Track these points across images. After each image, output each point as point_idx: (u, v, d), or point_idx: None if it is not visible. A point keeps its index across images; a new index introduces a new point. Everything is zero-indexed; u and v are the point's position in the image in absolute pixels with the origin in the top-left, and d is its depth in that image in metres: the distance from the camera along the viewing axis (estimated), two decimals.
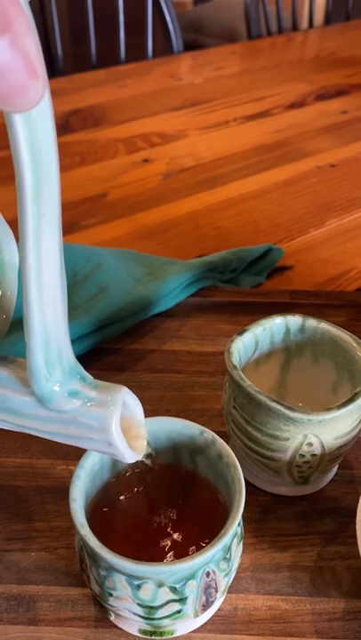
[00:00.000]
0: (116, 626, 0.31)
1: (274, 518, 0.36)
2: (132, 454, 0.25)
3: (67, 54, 1.26)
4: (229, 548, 0.28)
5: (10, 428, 0.26)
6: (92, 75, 1.09)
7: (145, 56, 1.22)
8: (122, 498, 0.31)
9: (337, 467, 0.38)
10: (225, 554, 0.28)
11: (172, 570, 0.25)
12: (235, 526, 0.27)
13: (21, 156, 0.18)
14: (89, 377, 0.24)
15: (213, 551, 0.26)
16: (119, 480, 0.32)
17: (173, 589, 0.26)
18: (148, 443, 0.28)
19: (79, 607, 0.32)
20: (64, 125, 0.88)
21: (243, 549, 0.34)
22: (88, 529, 0.26)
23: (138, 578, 0.26)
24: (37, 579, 0.33)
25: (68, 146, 0.83)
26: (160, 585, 0.26)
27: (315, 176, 0.77)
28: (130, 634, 0.30)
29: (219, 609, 0.32)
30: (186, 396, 0.44)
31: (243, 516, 0.34)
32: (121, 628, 0.31)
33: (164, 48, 1.24)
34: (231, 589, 0.32)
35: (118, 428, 0.23)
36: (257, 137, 0.86)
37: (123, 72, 1.10)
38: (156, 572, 0.26)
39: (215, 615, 0.31)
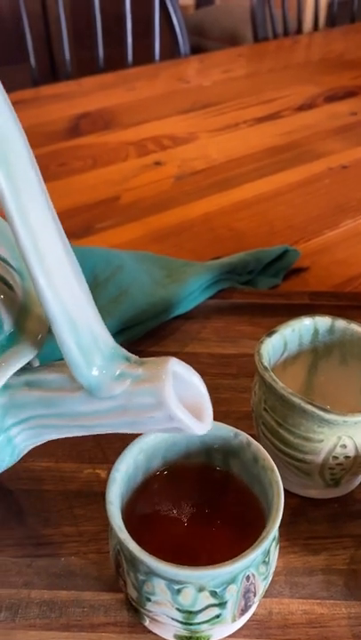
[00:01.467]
0: (150, 631, 0.30)
1: (305, 521, 0.36)
2: (199, 425, 0.24)
3: (72, 59, 1.26)
4: (269, 551, 0.28)
5: (77, 433, 0.26)
6: (100, 78, 1.09)
7: (152, 59, 1.22)
8: (156, 500, 0.31)
9: None
10: (265, 557, 0.27)
11: (213, 574, 0.25)
12: (275, 529, 0.26)
13: None
14: (133, 356, 0.24)
15: (255, 554, 0.26)
16: (153, 482, 0.31)
17: (214, 594, 0.26)
18: None
19: (112, 612, 0.31)
20: (74, 129, 0.88)
21: None
22: (126, 533, 0.26)
23: (178, 582, 0.26)
24: (69, 584, 0.33)
25: (79, 149, 0.83)
26: (201, 589, 0.26)
27: (327, 177, 0.76)
28: (165, 639, 0.30)
29: (254, 613, 0.31)
30: (211, 398, 0.43)
31: None
32: (156, 634, 0.30)
33: (170, 51, 1.24)
34: (266, 593, 0.32)
35: (175, 399, 0.22)
36: (268, 139, 0.86)
37: (131, 75, 1.10)
38: (198, 576, 0.25)
39: (250, 620, 0.31)
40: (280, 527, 0.35)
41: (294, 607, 0.32)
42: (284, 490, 0.37)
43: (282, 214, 0.69)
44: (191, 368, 0.25)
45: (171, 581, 0.26)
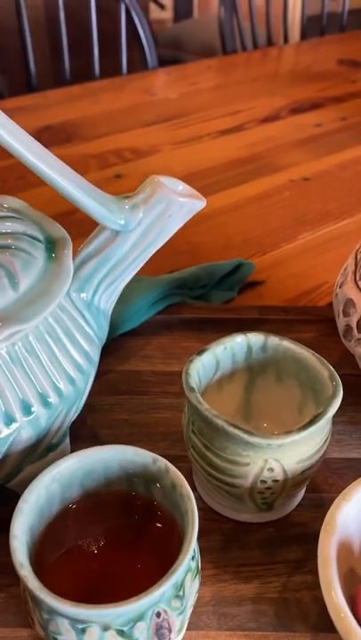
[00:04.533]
0: None
1: (237, 547, 0.34)
2: (199, 200, 0.34)
3: (47, 72, 1.25)
4: (182, 584, 0.26)
5: (134, 270, 0.35)
6: (65, 91, 1.08)
7: (119, 73, 1.22)
8: (73, 532, 0.30)
9: (304, 490, 0.37)
10: (177, 591, 0.26)
11: (117, 612, 0.24)
12: (187, 561, 0.25)
13: None
14: (125, 195, 0.32)
15: (162, 590, 0.24)
16: (69, 513, 0.30)
17: (121, 632, 0.25)
18: None
19: None
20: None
21: (203, 581, 0.32)
22: (29, 569, 0.25)
23: (81, 621, 0.24)
24: None
25: None
26: (106, 628, 0.24)
27: (288, 190, 0.76)
28: None
29: None
30: (150, 418, 0.42)
31: (204, 545, 0.32)
32: None
33: (139, 65, 1.24)
34: (191, 626, 0.31)
35: (175, 192, 0.32)
36: (231, 151, 0.85)
37: (97, 88, 1.09)
38: (100, 615, 0.24)
39: None
40: (210, 554, 0.34)
41: None
42: (218, 514, 0.36)
43: (240, 227, 0.68)
44: (169, 178, 0.34)
45: (74, 620, 0.24)
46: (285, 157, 0.83)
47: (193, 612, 0.31)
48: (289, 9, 1.46)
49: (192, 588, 0.27)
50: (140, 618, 0.25)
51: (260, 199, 0.74)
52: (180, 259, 0.62)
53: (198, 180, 0.78)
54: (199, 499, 0.36)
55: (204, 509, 0.36)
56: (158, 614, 0.25)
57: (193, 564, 0.27)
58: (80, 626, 0.24)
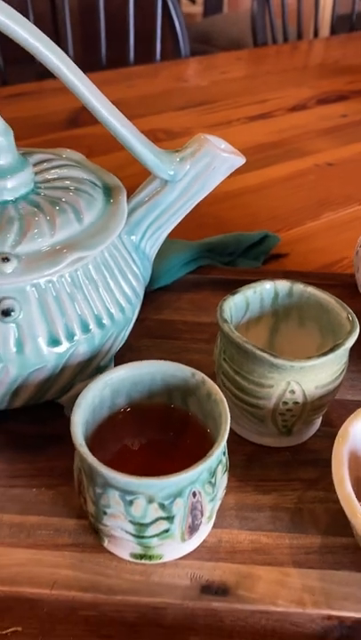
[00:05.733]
0: (109, 551, 0.33)
1: (258, 466, 0.39)
2: (239, 157, 0.38)
3: (79, 61, 1.30)
4: (215, 472, 0.31)
5: (179, 217, 0.39)
6: (101, 75, 1.13)
7: (153, 62, 1.26)
8: (118, 433, 0.34)
9: (320, 422, 0.41)
10: (210, 477, 0.30)
11: (161, 484, 0.28)
12: (220, 451, 0.30)
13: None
14: (179, 151, 0.37)
15: (200, 470, 0.29)
16: (117, 417, 0.34)
17: (162, 506, 0.29)
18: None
19: (75, 535, 0.34)
20: (73, 120, 0.92)
21: (227, 491, 0.37)
22: (86, 448, 0.29)
23: (130, 493, 0.29)
24: (38, 510, 0.36)
25: (77, 139, 0.86)
26: (150, 501, 0.29)
27: (312, 174, 0.80)
28: (122, 558, 0.33)
29: (204, 541, 0.34)
30: (182, 359, 0.46)
31: (229, 462, 0.37)
32: (113, 553, 0.33)
33: (172, 55, 1.28)
34: (216, 525, 0.35)
35: (219, 148, 0.36)
36: (258, 136, 0.89)
37: (132, 73, 1.14)
38: (147, 485, 0.28)
39: (201, 546, 0.34)
40: (235, 470, 0.38)
41: (242, 537, 0.35)
42: (242, 438, 0.40)
43: (266, 206, 0.72)
44: (213, 136, 0.38)
45: (124, 492, 0.29)
46: (311, 144, 0.87)
47: (218, 515, 0.35)
48: (320, 7, 1.49)
49: (222, 481, 0.32)
50: (179, 494, 0.29)
51: (286, 181, 0.78)
52: (207, 230, 0.66)
53: None
54: None
55: (230, 434, 0.40)
56: (194, 494, 0.30)
57: (224, 459, 0.32)
58: (128, 497, 0.29)
